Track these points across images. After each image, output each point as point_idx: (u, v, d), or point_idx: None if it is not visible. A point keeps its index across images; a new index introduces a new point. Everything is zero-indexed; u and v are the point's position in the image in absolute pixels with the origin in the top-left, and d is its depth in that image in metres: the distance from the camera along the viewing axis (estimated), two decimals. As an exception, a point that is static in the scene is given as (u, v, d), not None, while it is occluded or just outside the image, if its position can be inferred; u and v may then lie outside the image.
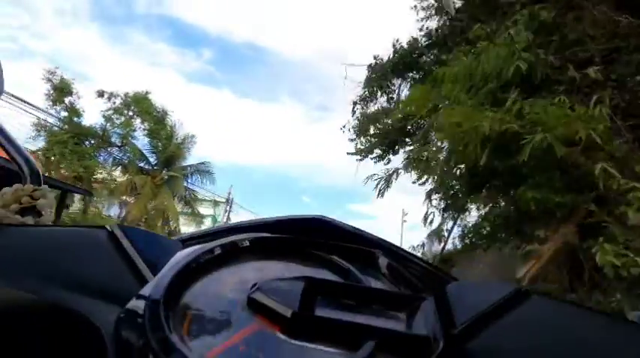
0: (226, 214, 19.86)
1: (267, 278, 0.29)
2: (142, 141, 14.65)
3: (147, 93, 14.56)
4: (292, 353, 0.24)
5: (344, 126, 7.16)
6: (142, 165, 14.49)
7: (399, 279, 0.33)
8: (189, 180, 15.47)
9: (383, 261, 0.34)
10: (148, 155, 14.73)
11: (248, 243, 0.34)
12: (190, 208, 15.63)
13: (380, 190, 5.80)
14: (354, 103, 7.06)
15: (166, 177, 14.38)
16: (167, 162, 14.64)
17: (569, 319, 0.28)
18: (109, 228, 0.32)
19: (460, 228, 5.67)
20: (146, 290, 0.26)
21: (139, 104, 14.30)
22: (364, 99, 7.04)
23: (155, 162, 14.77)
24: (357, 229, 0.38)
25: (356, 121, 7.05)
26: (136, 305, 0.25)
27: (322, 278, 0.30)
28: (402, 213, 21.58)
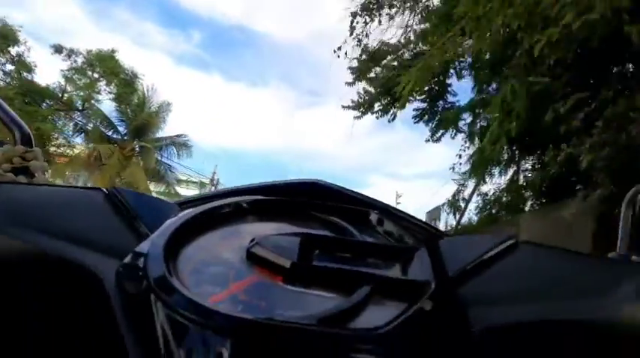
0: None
1: (266, 235, 0.30)
2: (108, 106, 13.05)
3: (113, 51, 12.69)
4: (292, 299, 0.25)
5: (338, 49, 4.90)
6: (109, 133, 12.91)
7: (393, 236, 0.34)
8: (164, 154, 14.05)
9: (377, 220, 0.35)
10: (116, 123, 13.17)
11: (246, 205, 0.34)
12: (166, 185, 14.08)
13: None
14: (353, 16, 4.86)
15: (137, 148, 12.87)
16: (138, 131, 13.08)
17: (556, 262, 0.29)
18: (105, 189, 0.33)
19: (480, 198, 5.06)
20: (144, 246, 0.27)
21: (104, 64, 12.25)
22: (367, 10, 4.76)
23: (125, 132, 13.20)
24: (353, 191, 0.39)
25: (356, 49, 4.82)
26: (136, 258, 0.26)
27: (319, 234, 0.31)
28: (395, 196, 22.52)
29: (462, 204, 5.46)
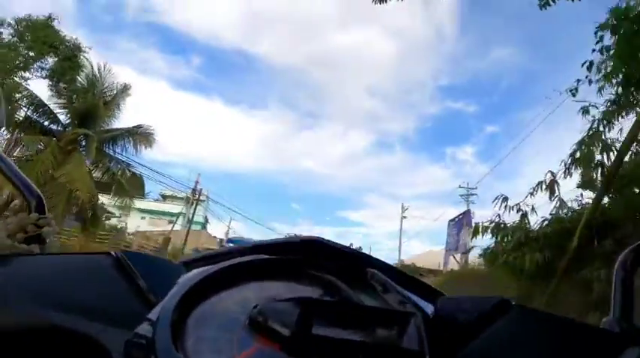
0: (192, 207, 17.80)
1: (267, 299, 0.31)
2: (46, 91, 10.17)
3: (50, 19, 10.07)
4: None
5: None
6: (46, 123, 10.11)
7: (390, 296, 0.34)
8: (117, 150, 11.12)
9: (375, 279, 0.37)
10: (53, 108, 10.18)
11: (248, 265, 0.36)
12: (119, 196, 10.87)
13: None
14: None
15: (83, 141, 10.19)
16: (84, 120, 10.35)
17: (547, 328, 0.30)
18: (113, 253, 0.34)
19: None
20: (153, 315, 0.28)
21: (37, 33, 9.72)
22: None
23: (68, 121, 10.40)
24: (351, 249, 0.41)
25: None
26: (144, 328, 0.27)
27: (318, 299, 0.33)
28: (401, 208, 22.87)
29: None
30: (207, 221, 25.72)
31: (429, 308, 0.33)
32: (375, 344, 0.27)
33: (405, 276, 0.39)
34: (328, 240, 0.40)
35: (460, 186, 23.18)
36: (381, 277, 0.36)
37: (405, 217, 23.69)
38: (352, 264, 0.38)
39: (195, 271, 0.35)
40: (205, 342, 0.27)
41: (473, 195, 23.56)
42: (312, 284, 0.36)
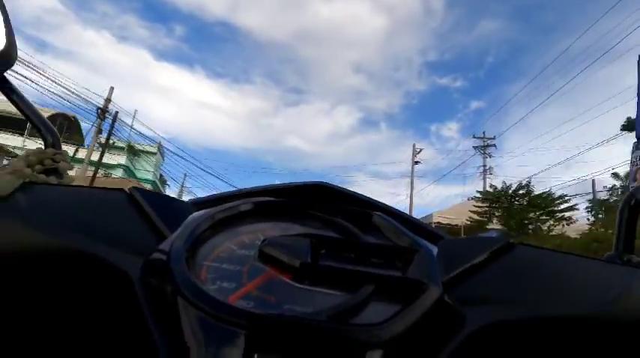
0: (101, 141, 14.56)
1: (275, 236, 0.32)
2: None
3: None
4: (300, 295, 0.27)
5: None
6: None
7: (396, 237, 0.35)
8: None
9: (380, 221, 0.37)
10: None
11: (256, 206, 0.37)
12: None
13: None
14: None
15: None
16: None
17: (550, 263, 0.30)
18: (127, 190, 0.36)
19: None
20: (166, 245, 0.29)
21: None
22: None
23: None
24: (356, 193, 0.41)
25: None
26: (159, 255, 0.28)
27: (326, 235, 0.34)
28: (413, 150, 18.73)
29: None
30: (163, 181, 23.45)
31: (434, 249, 0.33)
32: (380, 274, 0.28)
33: (410, 220, 0.40)
34: (335, 185, 0.41)
35: (475, 137, 19.97)
36: (387, 219, 0.37)
37: (417, 162, 19.21)
38: (359, 207, 0.39)
39: (204, 210, 0.36)
40: (216, 272, 0.29)
41: (490, 146, 19.90)
42: (319, 225, 0.37)
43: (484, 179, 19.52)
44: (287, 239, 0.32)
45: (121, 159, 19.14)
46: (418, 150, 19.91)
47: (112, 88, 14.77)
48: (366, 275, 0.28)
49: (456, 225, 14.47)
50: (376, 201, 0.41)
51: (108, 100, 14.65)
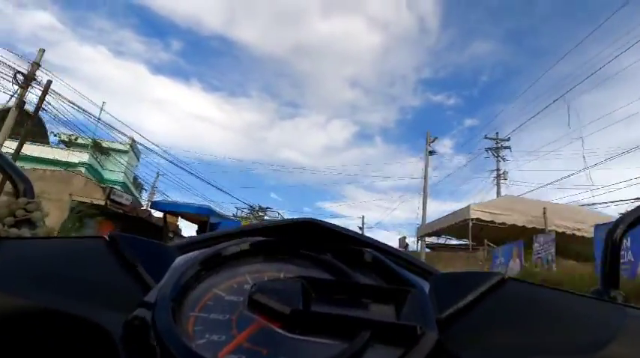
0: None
1: (263, 279, 0.32)
2: None
3: None
4: (293, 346, 0.26)
5: None
6: None
7: (387, 275, 0.35)
8: None
9: (371, 258, 0.37)
10: None
11: (245, 248, 0.36)
12: None
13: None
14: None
15: None
16: None
17: (542, 299, 0.31)
18: (107, 237, 0.35)
19: None
20: (151, 297, 0.28)
21: None
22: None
23: None
24: (346, 229, 0.41)
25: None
26: (142, 311, 0.27)
27: (316, 277, 0.33)
28: (427, 139, 15.56)
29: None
30: (138, 184, 21.15)
31: (426, 285, 0.33)
32: (374, 320, 0.28)
33: (401, 256, 0.40)
34: (323, 221, 0.41)
35: (486, 137, 17.55)
36: (377, 257, 0.37)
37: (432, 152, 16.11)
38: (348, 244, 0.39)
39: (190, 254, 0.35)
40: (204, 323, 0.28)
41: (505, 148, 17.41)
42: (309, 265, 0.36)
43: (498, 185, 17.30)
44: (277, 283, 0.31)
45: (86, 156, 16.68)
46: (432, 138, 16.47)
47: (41, 50, 10.36)
48: (360, 321, 0.28)
49: (503, 224, 10.74)
50: (366, 236, 0.42)
51: (36, 65, 10.12)
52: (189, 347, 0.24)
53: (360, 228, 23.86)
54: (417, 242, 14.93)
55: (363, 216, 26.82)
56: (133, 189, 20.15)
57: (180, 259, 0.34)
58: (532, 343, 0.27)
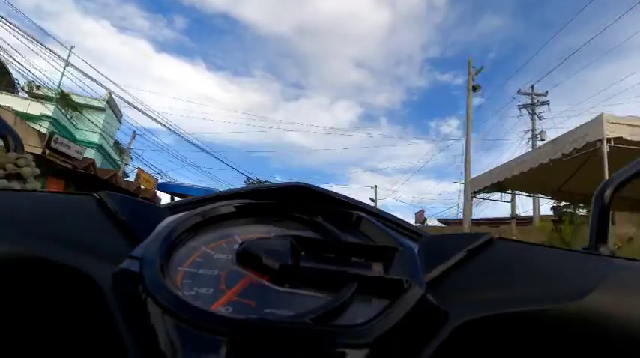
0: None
1: (253, 238, 0.32)
2: None
3: None
4: (280, 298, 0.27)
5: None
6: None
7: (375, 235, 0.35)
8: None
9: (360, 220, 0.37)
10: None
11: (234, 209, 0.36)
12: None
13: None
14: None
15: None
16: None
17: (529, 256, 0.31)
18: (97, 195, 0.35)
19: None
20: (138, 251, 0.28)
21: None
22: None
23: None
24: (336, 193, 0.41)
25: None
26: (131, 263, 0.27)
27: (305, 236, 0.33)
28: (469, 65, 10.43)
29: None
30: (121, 149, 18.46)
31: (415, 246, 0.34)
32: (361, 274, 0.28)
33: (390, 218, 0.40)
34: (315, 186, 0.41)
35: (519, 92, 15.03)
36: (367, 218, 0.37)
37: (476, 88, 11.10)
38: (340, 207, 0.39)
39: (180, 214, 0.35)
40: (193, 277, 0.28)
41: (542, 104, 14.91)
42: (299, 226, 0.37)
43: (533, 145, 14.63)
44: (266, 241, 0.31)
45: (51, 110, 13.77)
46: (476, 70, 11.09)
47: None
48: (348, 275, 0.28)
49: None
50: (357, 201, 0.42)
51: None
52: (178, 296, 0.25)
53: (372, 200, 22.37)
54: (464, 202, 9.84)
55: (376, 186, 24.70)
56: (114, 153, 18.26)
57: (170, 218, 0.34)
58: (516, 295, 0.27)
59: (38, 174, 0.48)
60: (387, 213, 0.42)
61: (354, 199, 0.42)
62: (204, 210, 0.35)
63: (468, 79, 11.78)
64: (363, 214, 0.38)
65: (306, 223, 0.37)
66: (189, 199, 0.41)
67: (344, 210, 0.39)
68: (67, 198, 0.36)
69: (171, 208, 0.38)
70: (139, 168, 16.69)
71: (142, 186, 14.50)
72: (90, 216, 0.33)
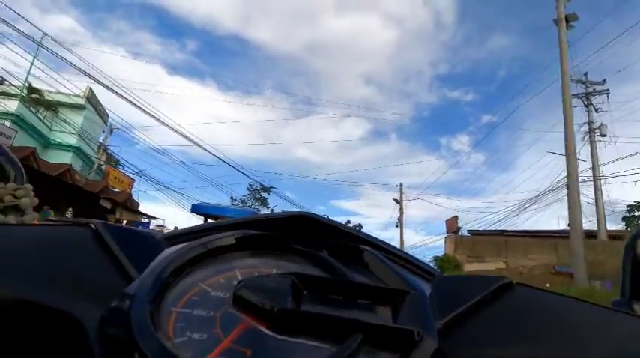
0: None
1: (252, 275, 0.30)
2: None
3: None
4: (279, 348, 0.25)
5: None
6: None
7: (384, 274, 0.33)
8: None
9: (368, 257, 0.35)
10: None
11: (234, 241, 0.35)
12: None
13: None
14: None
15: None
16: None
17: (550, 306, 0.29)
18: (93, 226, 0.34)
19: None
20: (131, 289, 0.26)
21: None
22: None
23: None
24: (343, 225, 0.39)
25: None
26: (121, 303, 0.25)
27: (307, 274, 0.31)
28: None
29: None
30: (109, 156, 16.83)
31: (426, 288, 0.32)
32: (368, 322, 0.26)
33: (401, 255, 0.38)
34: (319, 216, 0.39)
35: (573, 80, 11.92)
36: (375, 255, 0.35)
37: (567, 20, 9.21)
38: (345, 240, 0.37)
39: (177, 246, 0.34)
40: (186, 319, 0.26)
41: (600, 93, 12.69)
42: (301, 261, 0.35)
43: (591, 142, 13.01)
44: (265, 279, 0.30)
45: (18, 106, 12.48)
46: None
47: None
48: (353, 323, 0.26)
49: None
50: (364, 233, 0.40)
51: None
52: (164, 346, 0.23)
53: (397, 201, 20.70)
54: (569, 203, 8.14)
55: (401, 184, 21.79)
56: (99, 159, 16.31)
57: (167, 251, 0.33)
58: (539, 354, 0.25)
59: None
60: (397, 249, 0.40)
61: (361, 232, 0.41)
62: (203, 242, 0.34)
63: (557, 6, 9.60)
64: (371, 249, 0.36)
65: (311, 258, 0.35)
66: (189, 229, 0.40)
67: (351, 244, 0.37)
68: (61, 232, 0.35)
69: (169, 239, 0.37)
70: (108, 166, 14.86)
71: (113, 187, 12.91)
72: (84, 250, 0.31)
